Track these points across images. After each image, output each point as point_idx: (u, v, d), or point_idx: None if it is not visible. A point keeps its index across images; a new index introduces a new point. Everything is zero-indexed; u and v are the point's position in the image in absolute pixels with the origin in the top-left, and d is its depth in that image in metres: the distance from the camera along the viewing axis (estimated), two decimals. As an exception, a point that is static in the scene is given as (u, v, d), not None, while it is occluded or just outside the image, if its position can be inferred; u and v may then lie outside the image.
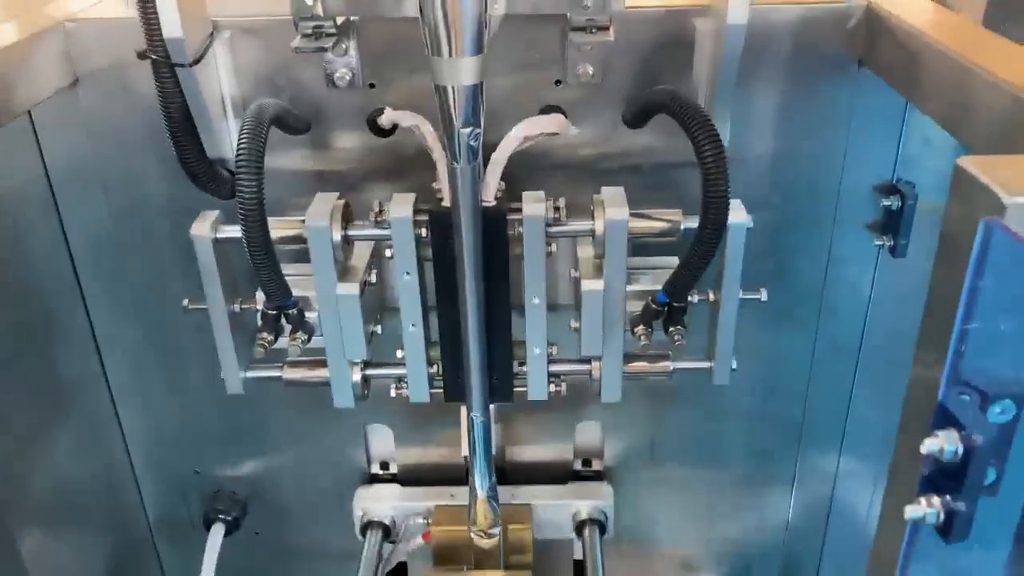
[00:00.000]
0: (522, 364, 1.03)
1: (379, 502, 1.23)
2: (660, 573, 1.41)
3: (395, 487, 1.28)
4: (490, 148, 0.92)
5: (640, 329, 0.98)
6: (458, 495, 1.20)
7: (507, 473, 1.30)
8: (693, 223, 0.96)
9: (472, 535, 1.11)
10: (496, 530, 1.10)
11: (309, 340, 1.01)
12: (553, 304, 1.02)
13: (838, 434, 1.27)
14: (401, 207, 0.95)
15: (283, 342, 1.01)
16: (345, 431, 1.28)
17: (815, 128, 1.05)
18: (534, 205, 0.94)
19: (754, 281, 0.99)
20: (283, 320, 0.99)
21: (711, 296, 1.00)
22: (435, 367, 1.05)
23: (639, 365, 1.05)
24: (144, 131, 1.05)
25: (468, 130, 0.81)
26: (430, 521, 1.21)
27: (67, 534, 1.27)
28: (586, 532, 1.20)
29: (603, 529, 1.22)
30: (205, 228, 0.96)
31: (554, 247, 0.97)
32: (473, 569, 1.15)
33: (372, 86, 1.02)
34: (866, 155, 1.06)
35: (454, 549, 1.19)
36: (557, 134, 0.94)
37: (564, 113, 1.03)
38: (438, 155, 0.93)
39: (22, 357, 1.10)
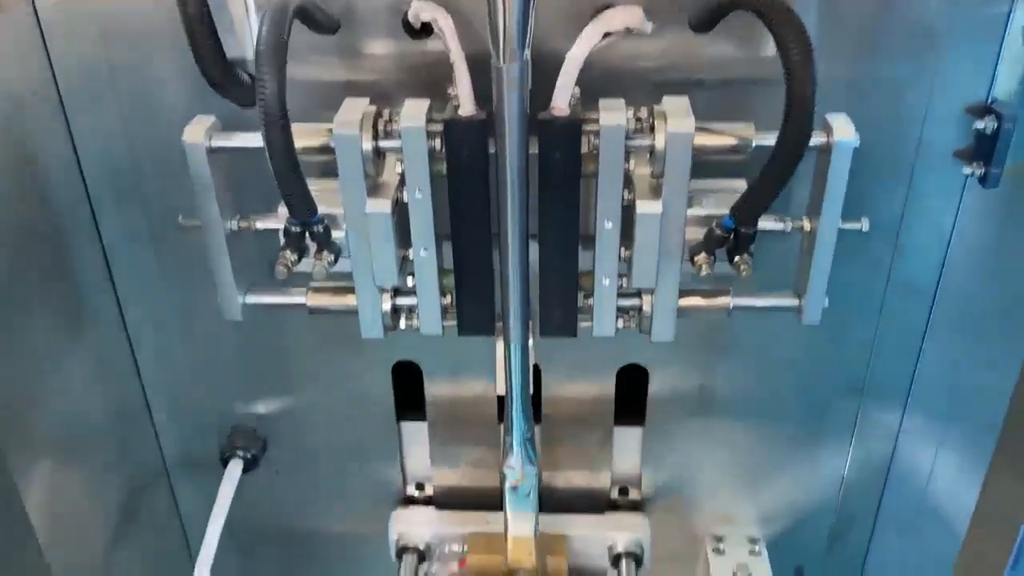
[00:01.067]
0: (587, 297, 0.95)
1: (415, 526, 1.20)
2: (700, 529, 1.33)
3: (431, 511, 1.25)
4: (540, 60, 0.83)
5: (701, 258, 0.88)
6: (493, 521, 1.15)
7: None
8: (766, 140, 0.86)
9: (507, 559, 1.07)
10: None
11: (336, 261, 0.92)
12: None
13: (904, 388, 1.17)
14: (412, 115, 0.86)
15: (306, 264, 0.93)
16: (372, 368, 1.19)
17: (902, 38, 0.93)
18: (614, 114, 0.84)
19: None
20: (308, 238, 0.91)
21: (805, 224, 0.90)
22: (447, 297, 0.97)
23: (696, 300, 0.95)
24: (160, 31, 0.96)
25: (519, 12, 0.70)
26: (466, 549, 1.17)
27: (77, 468, 1.21)
28: (622, 566, 1.16)
29: (639, 562, 1.16)
30: (198, 134, 0.87)
31: (632, 163, 0.87)
32: None
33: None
34: (958, 71, 0.95)
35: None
36: (632, 31, 0.83)
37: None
38: (456, 54, 0.84)
39: (31, 282, 1.03)
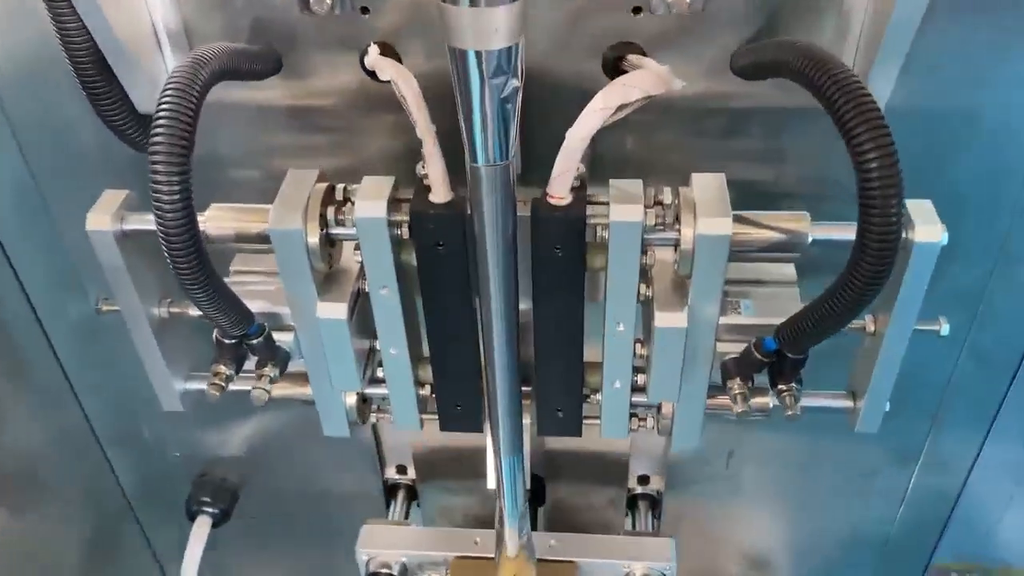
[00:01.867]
0: (594, 392, 0.79)
1: (388, 548, 0.98)
2: (725, 566, 1.19)
3: (408, 530, 1.03)
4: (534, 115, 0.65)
5: (736, 385, 0.70)
6: (483, 541, 0.96)
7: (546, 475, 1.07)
8: (824, 233, 0.67)
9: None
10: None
11: (282, 373, 0.75)
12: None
13: (967, 462, 1.01)
14: (370, 203, 0.67)
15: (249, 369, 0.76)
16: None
17: (1005, 77, 0.72)
18: (628, 207, 0.65)
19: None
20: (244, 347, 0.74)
21: (869, 325, 0.72)
22: (427, 387, 0.81)
23: (726, 402, 0.77)
24: (61, 67, 0.76)
25: (501, 85, 0.50)
26: None
27: (37, 515, 1.09)
28: None
29: None
30: (104, 220, 0.69)
31: (650, 258, 0.70)
32: None
33: (365, 11, 0.71)
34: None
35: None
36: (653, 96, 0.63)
37: (642, 52, 0.71)
38: (423, 128, 0.64)
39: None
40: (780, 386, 0.69)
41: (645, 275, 0.71)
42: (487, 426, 0.79)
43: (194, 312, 0.77)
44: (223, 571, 1.23)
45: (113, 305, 0.77)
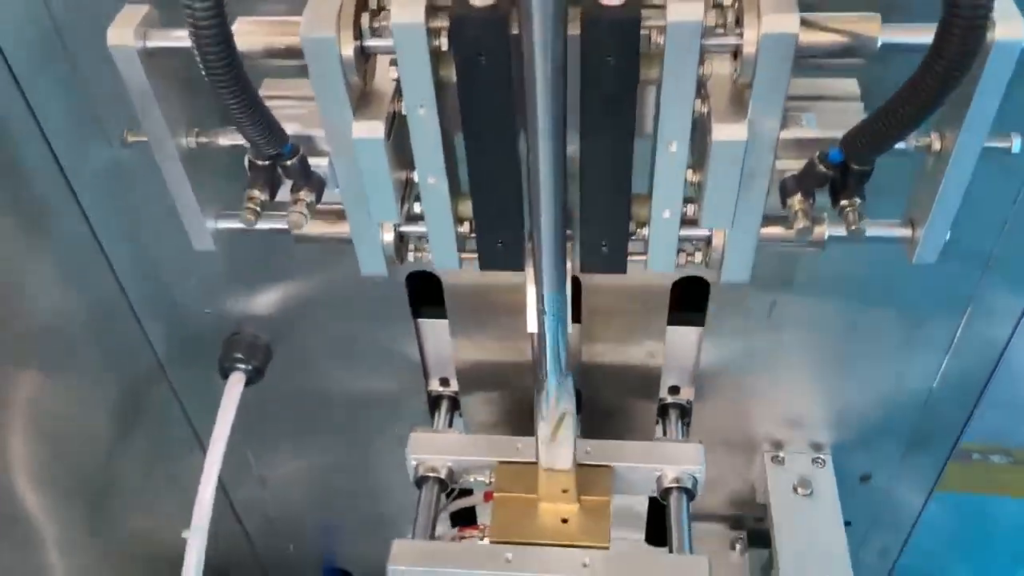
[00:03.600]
0: (640, 226, 0.75)
1: (436, 454, 1.04)
2: (759, 426, 1.19)
3: (454, 436, 1.10)
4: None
5: (797, 201, 0.66)
6: (524, 447, 1.00)
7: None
8: (896, 36, 0.62)
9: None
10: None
11: (319, 199, 0.72)
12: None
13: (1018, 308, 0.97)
14: (407, 7, 0.62)
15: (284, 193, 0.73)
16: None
17: None
18: (687, 5, 0.60)
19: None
20: (279, 171, 0.70)
21: (934, 142, 0.67)
22: (466, 224, 0.78)
23: (780, 230, 0.74)
24: None
25: None
26: (492, 482, 1.02)
27: (68, 373, 1.09)
28: (672, 499, 0.99)
29: (691, 496, 1.00)
30: (127, 35, 0.65)
31: (709, 66, 0.65)
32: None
33: None
34: None
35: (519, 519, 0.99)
36: None
37: None
38: None
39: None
40: (843, 202, 0.65)
41: (701, 90, 0.67)
42: (529, 267, 0.77)
43: (222, 141, 0.74)
44: (254, 436, 1.24)
45: (139, 136, 0.73)
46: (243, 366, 1.07)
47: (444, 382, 1.19)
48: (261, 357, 1.09)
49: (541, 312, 0.79)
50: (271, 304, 1.08)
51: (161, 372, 1.17)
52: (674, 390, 1.17)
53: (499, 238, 0.77)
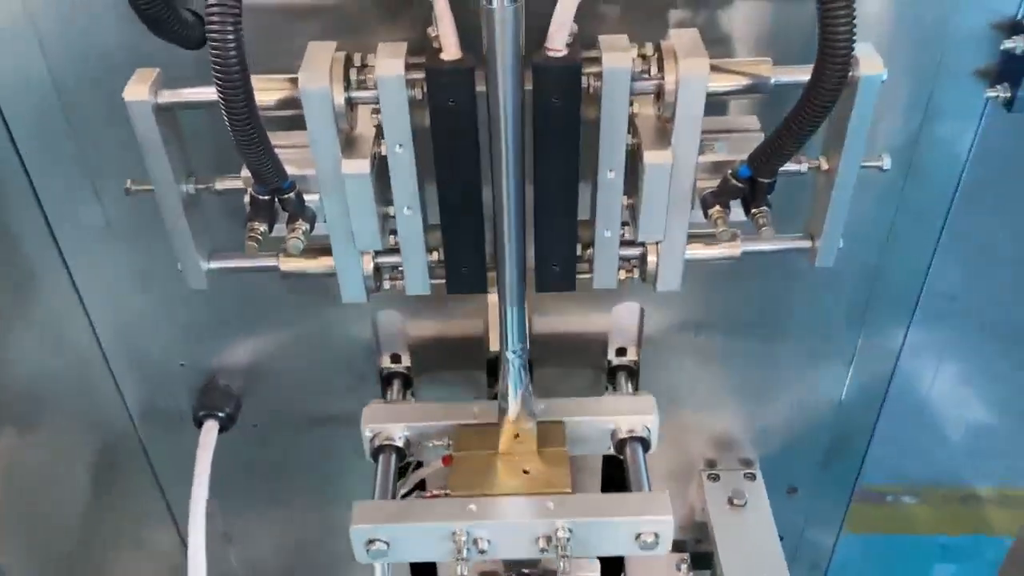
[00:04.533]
0: (586, 247, 0.88)
1: (391, 422, 1.05)
2: (694, 450, 1.30)
3: (409, 405, 1.11)
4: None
5: (716, 211, 0.80)
6: (481, 411, 1.04)
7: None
8: (785, 76, 0.78)
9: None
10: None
11: (312, 229, 0.83)
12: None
13: (907, 312, 1.13)
14: (390, 61, 0.75)
15: (278, 229, 0.83)
16: (351, 314, 1.11)
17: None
18: (618, 55, 0.75)
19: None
20: (277, 205, 0.81)
21: (822, 163, 0.83)
22: (435, 254, 0.89)
23: (704, 249, 0.89)
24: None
25: None
26: (450, 445, 1.03)
27: (43, 433, 1.14)
28: (628, 451, 1.03)
29: (646, 446, 1.04)
30: (142, 91, 0.76)
31: (636, 107, 0.79)
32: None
33: None
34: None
35: (480, 474, 1.00)
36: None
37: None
38: None
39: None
40: (753, 210, 0.80)
41: (631, 127, 0.81)
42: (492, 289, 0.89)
43: (218, 186, 0.85)
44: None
45: (142, 185, 0.83)
46: (218, 413, 1.14)
47: (395, 358, 1.18)
48: (233, 405, 1.16)
49: (504, 323, 0.90)
50: (243, 355, 1.16)
51: (132, 427, 1.22)
52: (621, 351, 1.18)
53: (464, 263, 0.89)
